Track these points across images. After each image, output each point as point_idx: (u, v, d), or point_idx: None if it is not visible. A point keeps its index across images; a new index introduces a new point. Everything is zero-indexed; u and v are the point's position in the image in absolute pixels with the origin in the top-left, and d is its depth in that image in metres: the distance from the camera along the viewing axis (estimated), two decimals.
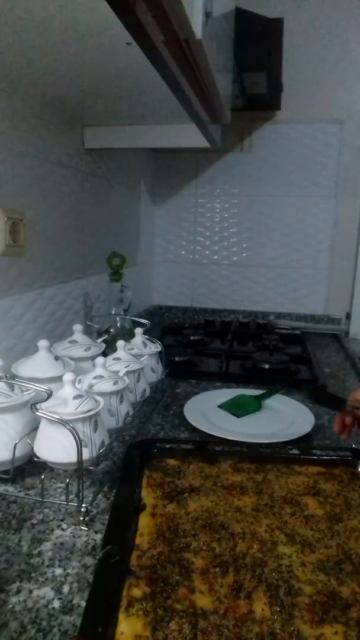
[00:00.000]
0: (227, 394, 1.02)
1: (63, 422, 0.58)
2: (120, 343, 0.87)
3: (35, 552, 0.53)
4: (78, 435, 0.58)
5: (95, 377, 0.74)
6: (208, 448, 0.75)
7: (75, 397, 0.63)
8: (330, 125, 1.70)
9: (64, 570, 0.51)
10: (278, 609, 0.44)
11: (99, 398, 0.66)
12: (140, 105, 0.99)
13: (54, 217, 1.08)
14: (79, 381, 0.72)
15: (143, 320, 1.08)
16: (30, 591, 0.48)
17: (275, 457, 0.72)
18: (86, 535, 0.56)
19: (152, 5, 0.58)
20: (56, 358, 0.79)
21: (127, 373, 0.80)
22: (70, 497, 0.62)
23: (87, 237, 1.27)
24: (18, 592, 0.47)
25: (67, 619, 0.44)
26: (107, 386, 0.73)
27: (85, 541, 0.55)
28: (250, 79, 1.35)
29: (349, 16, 1.61)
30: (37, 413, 0.60)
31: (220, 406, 0.96)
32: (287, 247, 1.82)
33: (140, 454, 0.70)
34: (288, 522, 0.57)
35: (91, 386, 0.72)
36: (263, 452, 0.74)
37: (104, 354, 0.88)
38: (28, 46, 0.69)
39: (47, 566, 0.51)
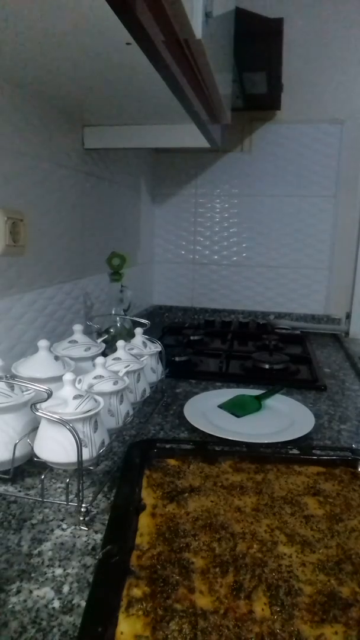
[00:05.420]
0: (227, 394, 1.02)
1: (63, 422, 0.58)
2: (120, 343, 0.87)
3: (35, 552, 0.53)
4: (78, 435, 0.58)
5: (95, 377, 0.74)
6: (208, 448, 0.75)
7: (75, 397, 0.63)
8: (330, 125, 1.70)
9: (64, 570, 0.51)
10: (278, 609, 0.44)
11: (99, 398, 0.66)
12: (140, 105, 0.99)
13: (54, 217, 1.08)
14: (79, 381, 0.72)
15: (143, 320, 1.08)
16: (30, 591, 0.48)
17: (275, 457, 0.72)
18: (86, 535, 0.56)
19: (152, 5, 0.58)
20: (56, 358, 0.79)
21: (127, 373, 0.80)
22: (70, 497, 0.62)
23: (87, 237, 1.27)
24: (18, 592, 0.47)
25: (67, 619, 0.44)
26: (107, 386, 0.73)
27: (85, 541, 0.55)
28: (250, 79, 1.35)
29: (349, 16, 1.61)
30: (37, 413, 0.60)
31: (220, 406, 0.96)
32: (287, 247, 1.81)
33: (140, 454, 0.70)
34: (288, 522, 0.57)
35: (91, 386, 0.72)
36: (263, 452, 0.74)
37: (104, 354, 0.88)
38: (28, 46, 0.69)
39: (47, 566, 0.51)
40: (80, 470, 0.58)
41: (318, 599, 0.45)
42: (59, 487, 0.66)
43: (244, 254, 1.86)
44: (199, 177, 1.83)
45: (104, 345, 0.93)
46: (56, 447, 0.61)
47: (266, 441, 0.79)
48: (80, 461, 0.58)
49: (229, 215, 1.84)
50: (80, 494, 0.58)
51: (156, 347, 0.97)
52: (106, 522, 0.57)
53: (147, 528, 0.55)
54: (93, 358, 0.82)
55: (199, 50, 0.74)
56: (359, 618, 0.43)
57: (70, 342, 0.89)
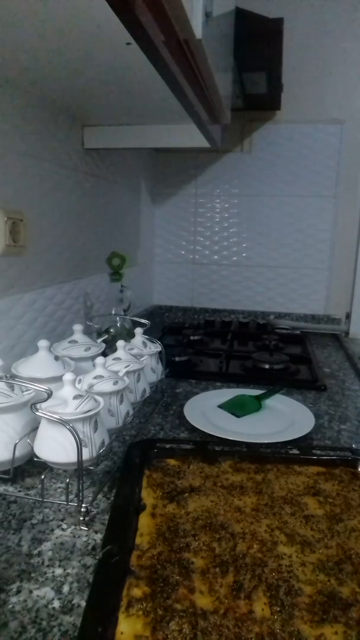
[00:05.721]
0: (227, 394, 1.02)
1: (63, 422, 0.58)
2: (120, 343, 0.87)
3: (35, 552, 0.53)
4: (78, 435, 0.58)
5: (95, 377, 0.74)
6: (208, 448, 0.75)
7: (75, 397, 0.63)
8: (330, 125, 1.70)
9: (64, 570, 0.51)
10: (278, 609, 0.44)
11: (99, 398, 0.66)
12: (140, 105, 0.99)
13: (54, 217, 1.08)
14: (79, 381, 0.72)
15: (143, 320, 1.08)
16: (30, 591, 0.48)
17: (275, 457, 0.72)
18: (86, 535, 0.56)
19: (152, 5, 0.58)
20: (56, 358, 0.79)
21: (127, 373, 0.80)
22: (70, 497, 0.62)
23: (87, 237, 1.27)
24: (18, 592, 0.47)
25: (67, 619, 0.44)
26: (107, 386, 0.73)
27: (85, 541, 0.55)
28: (250, 79, 1.35)
29: (349, 16, 1.61)
30: (37, 413, 0.60)
31: (220, 406, 0.96)
32: (287, 247, 1.81)
33: (140, 454, 0.70)
34: (288, 522, 0.57)
35: (91, 386, 0.72)
36: (263, 452, 0.74)
37: (104, 354, 0.88)
38: (27, 46, 0.69)
39: (47, 566, 0.51)
40: (80, 470, 0.58)
41: (318, 599, 0.45)
42: (59, 487, 0.66)
43: (244, 254, 1.86)
44: (199, 177, 1.83)
45: (104, 345, 0.93)
46: (56, 447, 0.61)
47: (266, 441, 0.79)
48: (80, 461, 0.58)
49: (229, 215, 1.84)
50: (80, 494, 0.58)
51: (156, 347, 0.97)
52: (106, 522, 0.57)
53: (147, 528, 0.55)
54: (93, 358, 0.82)
55: (199, 50, 0.74)
56: (359, 618, 0.43)
57: (70, 342, 0.89)
